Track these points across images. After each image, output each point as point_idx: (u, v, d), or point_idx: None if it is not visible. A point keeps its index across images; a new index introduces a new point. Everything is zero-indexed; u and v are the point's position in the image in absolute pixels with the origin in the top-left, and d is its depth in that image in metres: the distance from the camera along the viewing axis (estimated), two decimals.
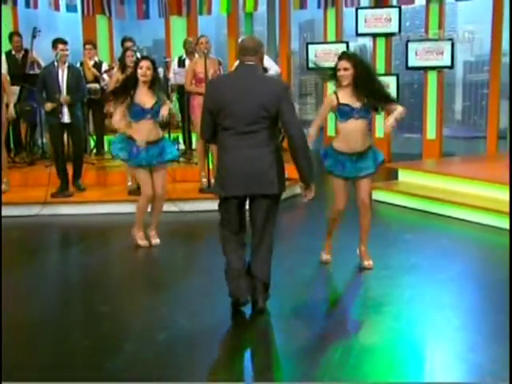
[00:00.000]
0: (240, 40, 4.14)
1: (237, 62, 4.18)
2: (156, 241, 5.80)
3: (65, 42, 7.06)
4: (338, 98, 4.67)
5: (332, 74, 4.75)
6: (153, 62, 5.49)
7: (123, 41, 9.03)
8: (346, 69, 4.58)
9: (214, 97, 3.88)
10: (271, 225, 4.08)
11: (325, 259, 5.14)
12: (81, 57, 9.00)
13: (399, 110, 4.63)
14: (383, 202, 7.38)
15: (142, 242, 5.73)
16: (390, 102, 4.70)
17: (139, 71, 5.39)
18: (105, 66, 9.08)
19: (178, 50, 9.94)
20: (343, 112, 4.67)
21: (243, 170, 3.86)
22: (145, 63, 5.41)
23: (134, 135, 5.49)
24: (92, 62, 8.95)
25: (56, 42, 7.08)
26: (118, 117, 5.50)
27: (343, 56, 4.66)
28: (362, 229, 5.00)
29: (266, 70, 8.41)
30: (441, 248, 5.59)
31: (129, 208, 6.95)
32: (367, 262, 4.98)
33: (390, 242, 5.77)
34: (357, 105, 4.63)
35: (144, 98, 5.45)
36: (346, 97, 4.65)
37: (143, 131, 5.49)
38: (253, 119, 3.80)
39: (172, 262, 5.46)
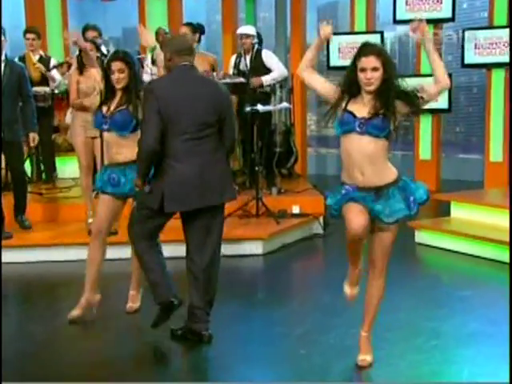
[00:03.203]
0: (170, 39, 4.77)
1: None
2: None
3: None
4: (347, 101, 4.16)
5: (350, 75, 4.14)
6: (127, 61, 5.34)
7: (84, 30, 9.07)
8: (375, 68, 4.01)
9: (164, 101, 4.57)
10: (219, 238, 4.92)
11: (347, 293, 4.55)
12: (23, 49, 8.94)
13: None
14: (431, 246, 7.33)
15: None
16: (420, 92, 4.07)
17: (112, 76, 5.23)
18: (53, 63, 9.05)
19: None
20: (344, 121, 4.13)
21: (198, 179, 4.65)
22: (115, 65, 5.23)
23: None
24: (36, 57, 8.90)
25: None
26: None
27: (369, 49, 4.05)
28: (367, 302, 4.46)
29: (268, 70, 8.44)
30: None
31: None
32: (362, 357, 4.44)
33: (440, 300, 5.73)
34: (363, 114, 4.08)
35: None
36: (356, 103, 4.15)
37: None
38: (207, 123, 4.68)
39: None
